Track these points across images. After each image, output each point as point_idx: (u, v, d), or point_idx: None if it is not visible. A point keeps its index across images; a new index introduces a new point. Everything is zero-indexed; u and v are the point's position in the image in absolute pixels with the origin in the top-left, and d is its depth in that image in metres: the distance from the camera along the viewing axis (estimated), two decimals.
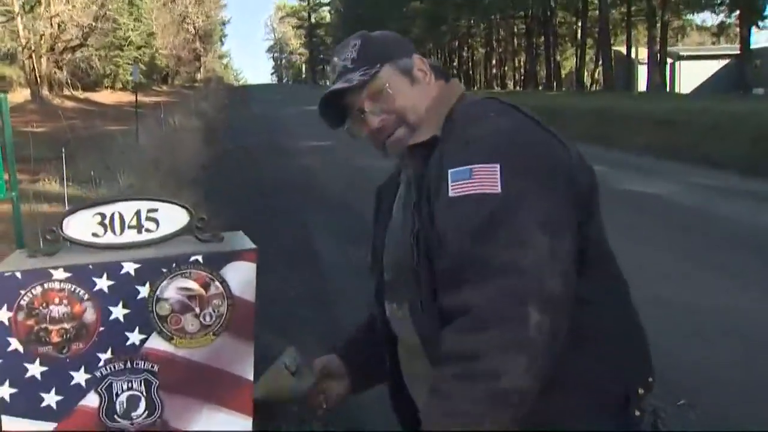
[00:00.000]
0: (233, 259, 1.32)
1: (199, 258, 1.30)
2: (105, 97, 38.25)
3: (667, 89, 31.79)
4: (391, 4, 49.48)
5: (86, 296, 1.25)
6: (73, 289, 1.24)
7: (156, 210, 1.37)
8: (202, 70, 71.44)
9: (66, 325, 1.24)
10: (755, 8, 25.70)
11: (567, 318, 1.16)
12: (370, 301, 1.60)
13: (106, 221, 1.34)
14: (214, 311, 1.31)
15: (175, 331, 1.30)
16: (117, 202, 1.36)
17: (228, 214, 8.76)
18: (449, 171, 1.22)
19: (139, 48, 44.91)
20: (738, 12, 27.41)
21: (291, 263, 6.31)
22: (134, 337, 1.28)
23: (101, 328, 1.26)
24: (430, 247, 1.26)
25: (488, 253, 1.15)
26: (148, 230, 1.36)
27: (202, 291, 1.30)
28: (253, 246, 1.36)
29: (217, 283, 1.31)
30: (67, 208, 7.16)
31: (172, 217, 1.38)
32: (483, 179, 1.19)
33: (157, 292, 1.28)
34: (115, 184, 8.87)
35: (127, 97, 38.10)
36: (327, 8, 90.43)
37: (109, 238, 1.34)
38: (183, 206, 1.40)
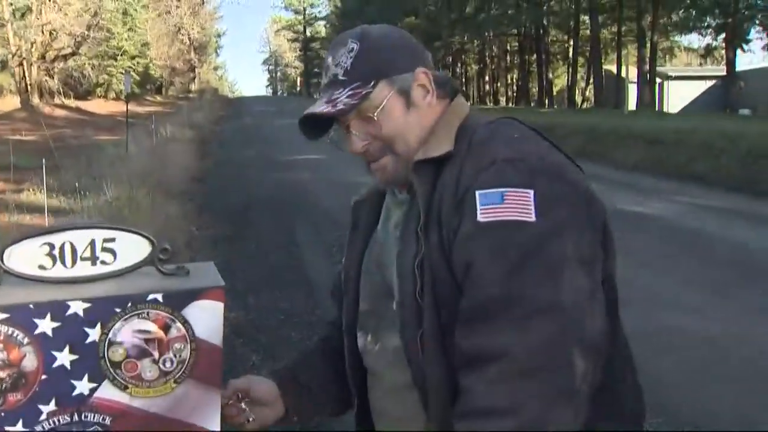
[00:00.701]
0: (198, 298, 1.16)
1: (159, 296, 1.14)
2: (97, 106, 38.09)
3: (656, 108, 31.98)
4: (386, 19, 49.49)
5: (26, 340, 1.08)
6: (10, 333, 1.08)
7: (113, 239, 1.21)
8: (196, 81, 71.30)
9: (1, 374, 1.08)
10: (740, 32, 25.93)
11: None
12: (327, 328, 1.52)
13: (56, 252, 1.17)
14: (175, 356, 1.15)
15: (131, 379, 1.13)
16: (68, 230, 1.19)
17: (218, 228, 8.63)
18: (477, 192, 1.11)
19: (132, 58, 44.86)
20: (724, 35, 27.63)
21: (281, 282, 6.15)
22: (82, 386, 1.11)
23: (43, 377, 1.09)
24: (436, 276, 1.15)
25: (525, 290, 1.05)
26: (103, 262, 1.20)
27: (162, 333, 1.14)
28: (221, 282, 1.20)
29: (178, 324, 1.15)
30: (48, 219, 7.02)
31: (132, 248, 1.22)
32: (516, 205, 1.09)
33: (110, 335, 1.12)
34: (102, 196, 8.70)
35: (119, 107, 37.90)
36: (322, 22, 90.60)
37: (58, 272, 1.17)
38: (144, 235, 1.24)
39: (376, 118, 1.24)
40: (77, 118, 31.17)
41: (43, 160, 6.45)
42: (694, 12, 27.27)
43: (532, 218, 1.07)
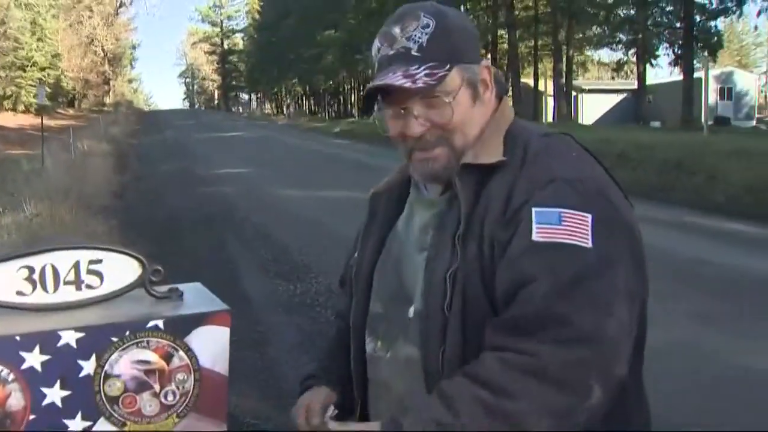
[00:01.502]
0: (202, 323, 1.06)
1: (160, 323, 1.03)
2: (6, 119, 36.50)
3: (572, 120, 33.02)
4: (305, 32, 49.40)
5: (11, 377, 0.96)
6: None
7: (99, 261, 1.10)
8: (111, 93, 69.35)
9: None
10: (649, 48, 27.09)
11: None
12: (338, 321, 1.45)
13: (36, 276, 1.06)
14: (178, 388, 1.05)
15: (129, 415, 1.02)
16: (49, 251, 1.07)
17: (145, 246, 8.31)
18: (534, 209, 1.07)
19: (43, 69, 43.23)
20: (634, 50, 28.81)
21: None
22: (76, 424, 1.00)
23: (32, 417, 0.97)
24: (468, 291, 1.10)
25: (572, 315, 1.01)
26: (89, 286, 1.09)
27: (163, 363, 1.04)
28: (225, 306, 1.10)
29: (181, 353, 1.04)
30: None
31: (120, 269, 1.11)
32: (574, 228, 1.06)
33: (106, 367, 1.01)
34: (21, 213, 8.27)
35: (30, 120, 36.41)
36: (240, 35, 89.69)
37: (39, 297, 1.06)
38: (133, 255, 1.13)
39: (445, 105, 1.16)
40: None
41: None
42: (606, 28, 28.29)
43: (588, 244, 1.05)
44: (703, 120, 18.66)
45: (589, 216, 1.06)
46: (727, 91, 36.13)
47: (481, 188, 1.14)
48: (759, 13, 17.43)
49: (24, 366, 0.97)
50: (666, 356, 4.50)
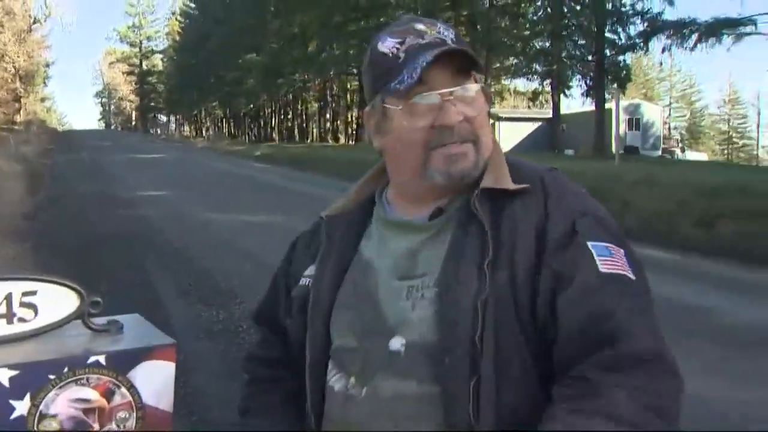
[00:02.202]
0: (146, 358, 1.02)
1: (101, 358, 0.99)
2: None
3: None
4: (227, 55, 49.01)
5: None
6: None
7: (34, 292, 1.05)
8: (22, 112, 66.67)
9: None
10: (563, 79, 28.14)
11: None
12: (266, 370, 1.33)
13: None
14: (119, 426, 1.00)
15: None
16: None
17: (61, 270, 7.98)
18: (589, 243, 1.08)
19: None
20: (549, 81, 29.86)
21: None
22: None
23: None
24: (500, 319, 1.06)
25: (663, 348, 1.04)
26: (22, 320, 1.03)
27: (104, 401, 0.99)
28: (170, 340, 1.06)
29: (123, 389, 1.00)
30: None
31: (56, 301, 1.06)
32: (620, 261, 1.08)
33: (41, 407, 0.96)
34: None
35: None
36: (160, 56, 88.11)
37: None
38: (70, 286, 1.08)
39: (478, 97, 1.16)
40: None
41: None
42: (522, 59, 29.20)
43: (633, 277, 1.08)
44: (614, 149, 19.40)
45: (623, 251, 1.10)
46: (635, 122, 37.81)
47: (500, 214, 1.13)
48: (663, 50, 18.46)
49: None
50: None
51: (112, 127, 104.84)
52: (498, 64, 32.15)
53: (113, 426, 1.00)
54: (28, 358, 0.97)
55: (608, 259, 1.07)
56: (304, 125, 53.85)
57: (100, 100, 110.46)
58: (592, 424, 0.97)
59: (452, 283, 1.10)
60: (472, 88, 1.15)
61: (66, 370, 0.97)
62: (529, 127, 40.05)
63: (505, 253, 1.09)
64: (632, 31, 23.94)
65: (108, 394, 0.99)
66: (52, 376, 0.96)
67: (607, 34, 25.52)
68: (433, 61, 1.10)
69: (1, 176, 15.96)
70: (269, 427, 1.25)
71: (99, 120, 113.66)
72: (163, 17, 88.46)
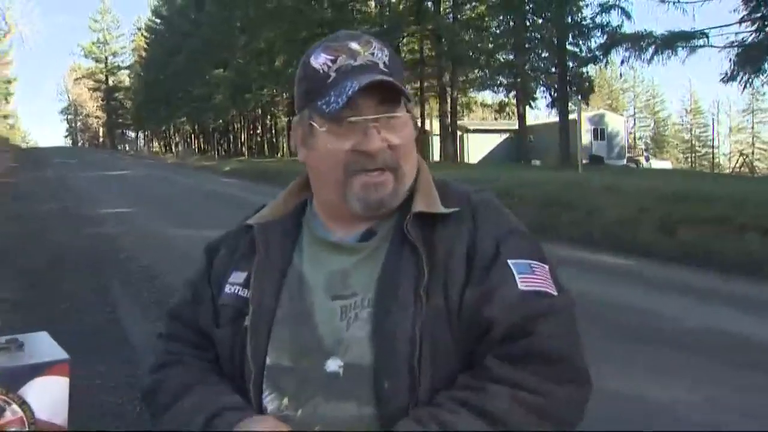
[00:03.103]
0: (39, 374, 1.02)
1: None
2: None
3: (458, 159, 34.08)
4: (194, 70, 48.81)
5: None
6: None
7: None
8: None
9: None
10: (527, 91, 28.54)
11: None
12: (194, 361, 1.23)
13: None
14: None
15: None
16: None
17: (18, 292, 7.90)
18: (510, 261, 1.13)
19: None
20: (514, 93, 30.23)
21: (96, 346, 5.75)
22: None
23: None
24: (437, 342, 1.08)
25: (574, 355, 1.10)
26: None
27: None
28: (65, 356, 1.06)
29: (15, 406, 1.00)
30: None
31: None
32: (542, 278, 1.14)
33: None
34: None
35: None
36: (126, 72, 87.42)
37: None
38: None
39: (405, 125, 1.17)
40: None
41: None
42: (487, 71, 29.52)
43: (554, 292, 1.13)
44: (578, 159, 19.70)
45: (546, 266, 1.16)
46: (600, 132, 38.51)
47: (432, 237, 1.15)
48: (622, 62, 18.91)
49: None
50: None
51: (80, 144, 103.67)
52: (463, 77, 32.43)
53: None
54: None
55: (528, 276, 1.12)
56: (274, 140, 53.74)
57: (65, 116, 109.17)
58: (460, 417, 1.02)
59: (389, 308, 1.10)
60: (400, 115, 1.15)
61: None
62: (497, 139, 40.55)
63: (439, 276, 1.11)
64: (593, 43, 24.40)
65: None
66: None
67: (569, 47, 25.94)
68: (361, 88, 1.10)
69: None
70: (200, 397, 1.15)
71: (65, 137, 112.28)
72: (128, 33, 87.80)
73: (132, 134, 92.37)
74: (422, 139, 34.12)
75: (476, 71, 31.06)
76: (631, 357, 4.90)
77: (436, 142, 35.59)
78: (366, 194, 1.15)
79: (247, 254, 1.23)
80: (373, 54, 1.15)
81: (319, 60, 1.15)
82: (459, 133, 37.35)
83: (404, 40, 35.19)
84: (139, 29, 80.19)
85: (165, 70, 56.80)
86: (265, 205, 1.31)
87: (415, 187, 1.20)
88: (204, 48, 46.48)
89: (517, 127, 33.32)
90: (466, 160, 36.85)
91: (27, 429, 1.01)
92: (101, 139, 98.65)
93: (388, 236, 1.18)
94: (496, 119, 42.65)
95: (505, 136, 39.94)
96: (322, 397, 1.10)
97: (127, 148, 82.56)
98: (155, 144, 79.83)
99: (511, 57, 28.87)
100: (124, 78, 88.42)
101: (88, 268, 9.20)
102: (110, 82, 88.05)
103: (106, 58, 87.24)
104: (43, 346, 1.11)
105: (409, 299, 1.09)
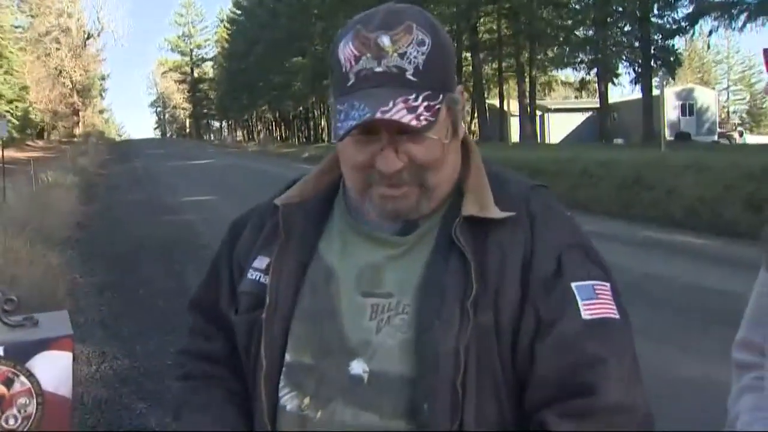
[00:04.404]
0: (44, 349, 1.10)
1: (0, 350, 1.08)
2: None
3: (538, 140, 33.50)
4: (274, 59, 49.68)
5: None
6: None
7: None
8: (81, 124, 68.96)
9: None
10: (610, 67, 27.65)
11: None
12: (206, 365, 1.20)
13: None
14: (20, 411, 1.08)
15: None
16: None
17: (104, 275, 8.30)
18: (573, 285, 1.00)
19: (10, 102, 43.01)
20: (596, 70, 29.41)
21: (170, 327, 5.96)
22: None
23: None
24: (483, 362, 0.99)
25: (637, 398, 0.98)
26: None
27: (4, 389, 1.07)
28: (69, 332, 1.14)
29: (23, 378, 1.08)
30: None
31: None
32: (606, 301, 1.01)
33: None
34: None
35: None
36: (210, 63, 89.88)
37: None
38: None
39: (435, 141, 1.02)
40: None
41: None
42: (567, 49, 28.82)
43: (617, 315, 1.01)
44: (661, 136, 19.02)
45: (608, 284, 1.03)
46: (688, 107, 36.97)
47: (483, 244, 1.03)
48: (710, 33, 17.96)
49: None
50: None
51: (168, 135, 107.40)
52: (542, 56, 31.78)
53: (14, 411, 1.08)
54: None
55: (593, 303, 1.00)
56: None
57: (155, 109, 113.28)
58: None
59: (432, 320, 1.00)
60: (430, 127, 0.99)
61: None
62: (579, 118, 39.57)
63: (490, 291, 1.00)
64: (680, 14, 23.36)
65: (8, 383, 1.07)
66: None
67: (653, 19, 24.96)
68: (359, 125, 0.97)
69: (56, 188, 16.57)
70: (212, 426, 1.13)
71: (155, 129, 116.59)
72: (211, 25, 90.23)
73: (216, 124, 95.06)
74: (501, 120, 33.74)
75: (555, 49, 30.38)
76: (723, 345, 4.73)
77: (515, 123, 35.14)
78: (383, 205, 1.05)
79: (272, 238, 1.13)
80: (404, 55, 0.98)
81: (345, 52, 1.01)
82: (539, 112, 36.69)
83: (481, 19, 34.74)
84: (222, 21, 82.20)
85: (246, 60, 58.12)
86: (297, 180, 1.20)
87: (465, 185, 1.08)
88: (283, 36, 47.22)
89: (599, 105, 32.48)
90: (546, 140, 36.16)
91: (35, 399, 1.08)
92: (188, 130, 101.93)
93: (431, 234, 1.06)
94: (576, 98, 41.69)
95: (587, 114, 38.93)
96: (341, 401, 1.02)
97: (212, 138, 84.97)
98: (238, 133, 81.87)
99: (591, 33, 28.07)
100: (208, 69, 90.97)
101: (167, 254, 9.54)
102: (195, 74, 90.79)
103: (191, 50, 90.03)
104: (57, 323, 1.18)
105: (454, 313, 0.99)
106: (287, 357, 1.06)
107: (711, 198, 10.62)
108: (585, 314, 0.99)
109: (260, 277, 1.12)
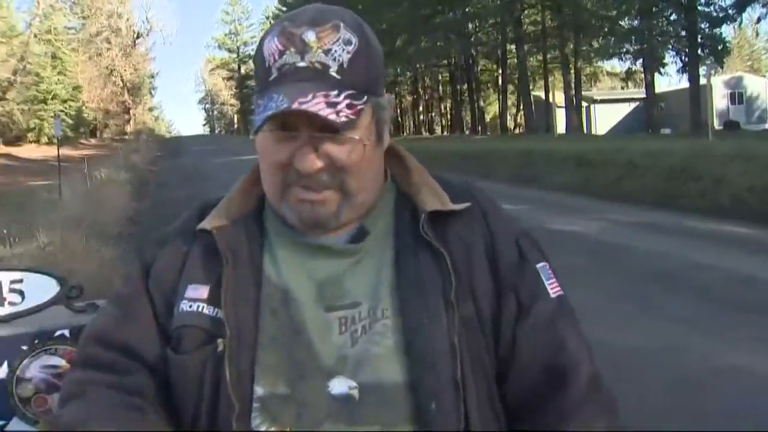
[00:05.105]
0: None
1: (66, 332, 1.22)
2: (29, 151, 37.22)
3: (584, 131, 33.05)
4: None
5: None
6: None
7: (20, 281, 1.29)
8: (132, 122, 70.38)
9: None
10: (656, 57, 27.11)
11: None
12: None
13: None
14: None
15: (41, 413, 1.20)
16: None
17: None
18: (537, 266, 1.06)
19: (64, 101, 44.07)
20: (642, 60, 28.86)
21: None
22: None
23: None
24: (474, 355, 0.99)
25: (587, 367, 1.04)
26: (12, 303, 1.27)
27: (68, 366, 1.21)
28: None
29: None
30: None
31: (41, 288, 1.30)
32: (555, 279, 1.08)
33: (18, 372, 1.19)
34: (33, 243, 8.54)
35: (53, 151, 37.02)
36: None
37: None
38: (53, 275, 1.32)
39: (357, 142, 0.98)
40: (7, 165, 30.42)
41: None
42: (612, 39, 28.36)
43: (563, 291, 1.08)
44: (709, 125, 18.65)
45: (547, 264, 1.09)
46: (738, 96, 36.05)
47: (447, 238, 1.04)
48: (758, 20, 17.50)
49: None
50: (650, 358, 4.61)
51: (216, 131, 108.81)
52: (586, 47, 31.34)
53: None
54: (6, 333, 1.20)
55: (552, 282, 1.06)
56: (399, 119, 54.26)
57: (203, 106, 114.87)
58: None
59: (419, 319, 0.98)
60: (341, 136, 0.96)
61: (36, 341, 1.19)
62: (626, 108, 38.91)
63: (464, 281, 1.01)
64: (727, 1, 22.77)
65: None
66: (24, 347, 1.19)
67: (700, 7, 24.38)
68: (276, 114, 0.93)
69: (110, 185, 17.03)
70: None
71: (204, 125, 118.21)
72: (257, 22, 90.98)
73: None
74: (546, 112, 33.41)
75: (600, 39, 29.93)
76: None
77: (561, 114, 34.73)
78: (300, 210, 1.00)
79: (205, 264, 1.04)
80: (328, 51, 0.96)
81: (270, 46, 0.98)
82: (585, 104, 36.20)
83: (525, 11, 34.42)
84: (267, 18, 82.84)
85: None
86: (209, 203, 1.13)
87: (408, 185, 1.08)
88: None
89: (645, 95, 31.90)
90: (593, 131, 35.66)
91: None
92: (236, 126, 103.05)
93: (386, 237, 1.04)
94: (622, 88, 40.96)
95: (634, 105, 38.24)
96: (330, 424, 0.96)
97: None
98: None
99: (636, 23, 27.57)
100: None
101: None
102: (242, 71, 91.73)
103: (238, 48, 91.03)
104: None
105: (439, 308, 0.98)
106: (258, 390, 0.97)
107: (761, 187, 10.42)
108: (551, 293, 1.04)
109: (201, 307, 1.02)
